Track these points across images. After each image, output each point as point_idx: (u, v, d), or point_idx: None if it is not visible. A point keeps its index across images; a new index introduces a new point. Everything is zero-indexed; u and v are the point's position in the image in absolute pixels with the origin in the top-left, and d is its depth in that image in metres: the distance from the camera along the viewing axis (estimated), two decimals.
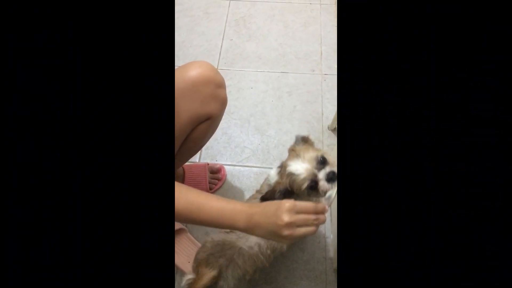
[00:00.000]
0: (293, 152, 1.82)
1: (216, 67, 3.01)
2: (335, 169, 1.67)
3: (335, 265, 2.37)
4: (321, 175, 1.66)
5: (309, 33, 3.60)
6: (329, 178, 1.64)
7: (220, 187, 2.71)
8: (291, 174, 1.70)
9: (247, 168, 2.80)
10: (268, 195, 1.79)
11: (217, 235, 1.95)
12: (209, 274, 1.84)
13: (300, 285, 2.38)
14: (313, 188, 1.68)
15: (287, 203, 1.40)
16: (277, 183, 1.79)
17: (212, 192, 2.67)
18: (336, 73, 3.21)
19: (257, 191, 2.10)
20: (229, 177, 2.75)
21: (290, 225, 1.38)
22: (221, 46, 3.51)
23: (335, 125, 2.89)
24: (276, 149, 2.88)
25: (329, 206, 1.58)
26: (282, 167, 1.80)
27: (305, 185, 1.67)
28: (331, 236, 2.49)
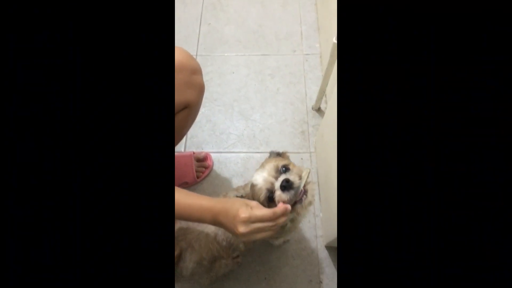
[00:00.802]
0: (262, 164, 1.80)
1: (192, 53, 3.03)
2: (292, 176, 1.63)
3: (325, 242, 2.42)
4: (277, 184, 1.63)
5: (288, 13, 3.58)
6: (282, 186, 1.60)
7: (208, 175, 2.73)
8: (252, 186, 1.71)
9: (233, 154, 2.81)
10: None
11: (180, 223, 2.02)
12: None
13: (292, 264, 2.42)
14: (271, 199, 1.65)
15: (243, 214, 1.46)
16: (242, 195, 1.81)
17: (199, 181, 2.69)
18: (318, 52, 3.27)
19: (242, 188, 2.04)
20: (216, 164, 2.77)
21: (245, 234, 1.46)
22: (199, 32, 3.48)
23: (319, 105, 2.91)
24: (262, 133, 2.88)
25: (303, 196, 1.61)
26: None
27: (262, 196, 1.66)
28: (321, 215, 2.53)
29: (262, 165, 1.75)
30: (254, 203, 1.56)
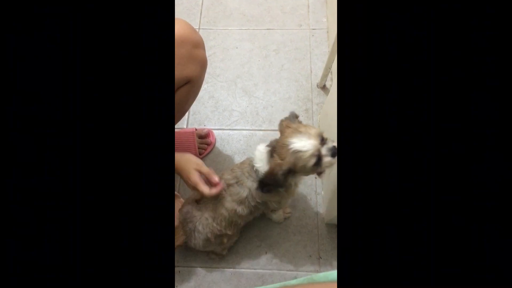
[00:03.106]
0: (290, 129, 1.85)
1: (195, 26, 2.97)
2: (335, 143, 1.76)
3: (326, 219, 2.46)
4: (324, 150, 1.74)
5: None
6: (333, 153, 1.74)
7: (210, 151, 2.72)
8: (297, 152, 1.74)
9: (236, 131, 2.81)
10: (268, 179, 1.87)
11: (185, 207, 2.22)
12: (179, 239, 2.21)
13: (293, 240, 2.47)
14: (317, 164, 1.75)
15: (192, 181, 1.99)
16: (276, 164, 1.81)
17: (202, 158, 2.69)
18: (325, 27, 3.23)
19: (238, 167, 2.15)
20: (218, 141, 2.77)
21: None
22: (202, 4, 3.43)
23: (324, 83, 2.89)
24: (265, 110, 2.87)
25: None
26: (278, 146, 1.84)
27: (311, 162, 1.74)
28: (322, 193, 2.57)
29: (298, 130, 1.81)
30: (205, 169, 2.02)
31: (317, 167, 1.78)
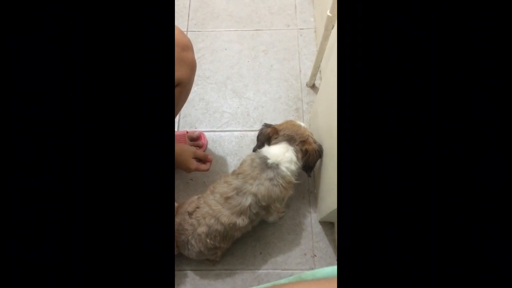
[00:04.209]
0: (282, 124, 2.29)
1: (183, 29, 3.02)
2: None
3: (319, 217, 2.49)
4: None
5: None
6: None
7: None
8: (305, 126, 2.31)
9: (227, 132, 2.81)
10: (314, 158, 2.23)
11: (178, 217, 2.27)
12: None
13: (287, 239, 2.50)
14: None
15: (192, 167, 2.38)
16: (309, 142, 2.22)
17: None
18: (312, 27, 3.25)
19: (236, 176, 2.26)
20: (210, 143, 2.77)
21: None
22: (189, 6, 3.44)
23: (314, 82, 2.91)
24: (255, 111, 2.88)
25: None
26: (296, 133, 2.21)
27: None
28: (315, 191, 2.60)
29: (286, 122, 2.34)
30: (200, 154, 2.42)
31: None
